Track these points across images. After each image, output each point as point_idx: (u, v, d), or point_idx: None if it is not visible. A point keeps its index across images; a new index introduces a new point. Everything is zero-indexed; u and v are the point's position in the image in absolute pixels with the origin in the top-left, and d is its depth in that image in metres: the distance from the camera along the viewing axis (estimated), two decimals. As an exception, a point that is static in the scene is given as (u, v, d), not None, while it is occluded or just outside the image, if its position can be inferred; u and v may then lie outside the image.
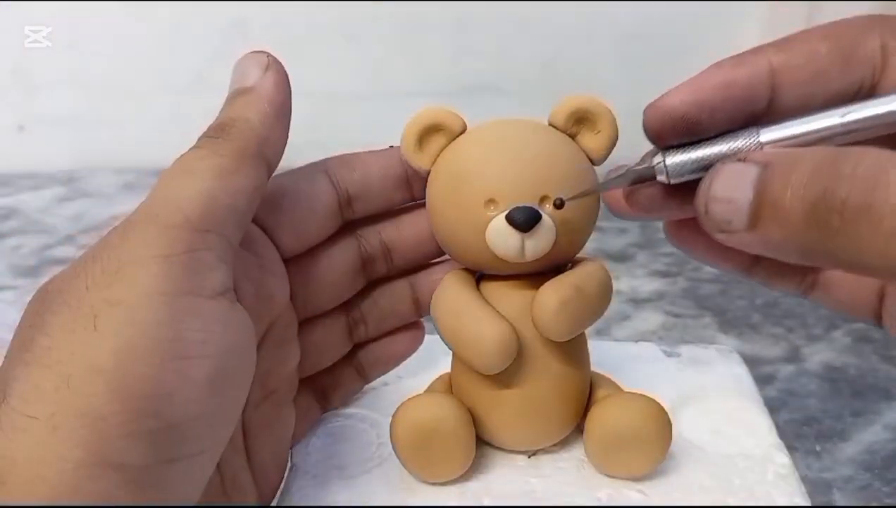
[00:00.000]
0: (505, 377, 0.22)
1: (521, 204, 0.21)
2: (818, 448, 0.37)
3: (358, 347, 0.27)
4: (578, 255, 0.24)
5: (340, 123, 0.66)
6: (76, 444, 0.15)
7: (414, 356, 0.27)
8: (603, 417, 0.23)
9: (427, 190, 0.24)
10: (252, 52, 0.22)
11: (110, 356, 0.16)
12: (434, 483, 0.23)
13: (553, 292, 0.21)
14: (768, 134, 0.18)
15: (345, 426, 0.26)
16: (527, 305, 0.22)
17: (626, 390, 0.24)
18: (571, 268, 0.23)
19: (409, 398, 0.23)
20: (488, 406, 0.23)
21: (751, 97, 0.19)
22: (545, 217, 0.21)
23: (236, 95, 0.21)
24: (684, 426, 0.25)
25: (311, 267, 0.24)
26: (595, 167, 0.23)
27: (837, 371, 0.43)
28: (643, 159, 0.20)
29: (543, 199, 0.21)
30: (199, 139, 0.20)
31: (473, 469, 0.23)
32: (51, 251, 0.59)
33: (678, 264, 0.55)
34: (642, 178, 0.20)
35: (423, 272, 0.26)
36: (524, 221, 0.21)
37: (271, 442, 0.23)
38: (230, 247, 0.19)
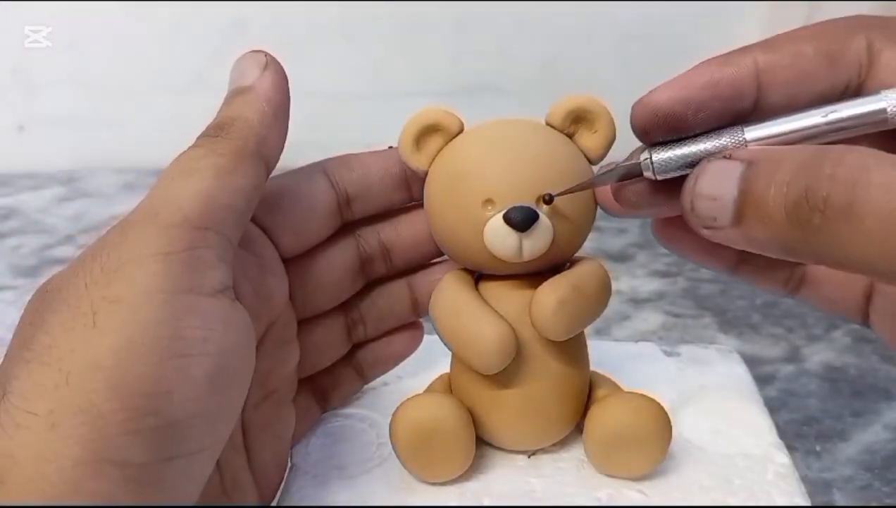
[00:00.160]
0: (504, 377, 0.22)
1: (518, 204, 0.21)
2: (818, 448, 0.37)
3: (357, 347, 0.27)
4: (577, 254, 0.24)
5: (340, 123, 0.66)
6: (76, 441, 0.15)
7: (414, 356, 0.27)
8: (603, 417, 0.23)
9: (425, 190, 0.24)
10: (250, 52, 0.22)
11: (110, 353, 0.16)
12: (434, 483, 0.23)
13: (551, 292, 0.21)
14: (753, 132, 0.19)
15: (345, 426, 0.26)
16: (525, 305, 0.22)
17: (626, 389, 0.24)
18: (570, 268, 0.23)
19: (409, 398, 0.23)
20: (488, 406, 0.23)
21: (737, 96, 0.19)
22: (543, 217, 0.21)
23: (235, 94, 0.21)
24: (684, 426, 0.25)
25: (310, 267, 0.24)
26: (593, 167, 0.23)
27: (837, 371, 0.43)
28: (631, 156, 0.20)
29: (541, 199, 0.21)
30: (198, 138, 0.20)
31: (473, 469, 0.23)
32: (51, 251, 0.59)
33: (678, 264, 0.55)
34: (630, 174, 0.20)
35: (422, 273, 0.26)
36: (521, 220, 0.21)
37: (271, 442, 0.23)
38: (229, 246, 0.19)
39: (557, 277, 0.22)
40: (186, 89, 0.72)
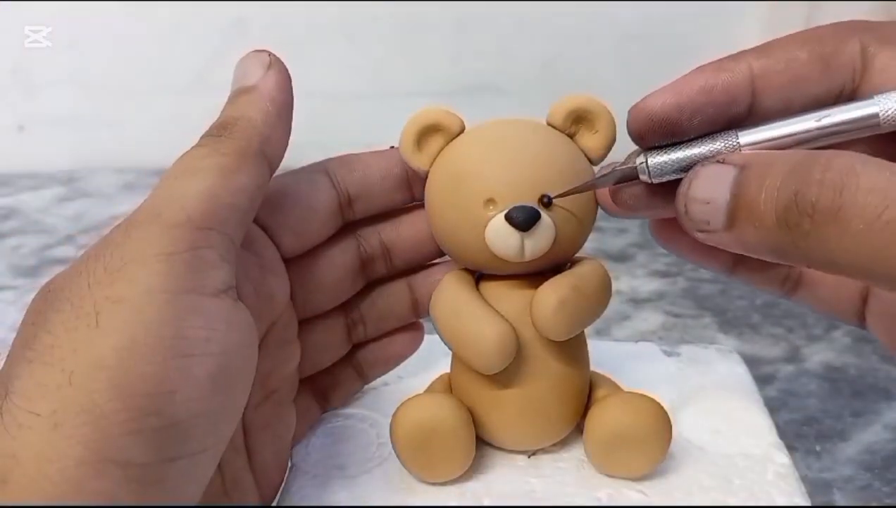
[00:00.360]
0: (504, 377, 0.22)
1: (520, 204, 0.21)
2: (818, 448, 0.37)
3: (357, 347, 0.27)
4: (578, 254, 0.24)
5: (340, 123, 0.66)
6: (78, 441, 0.15)
7: (414, 356, 0.27)
8: (603, 417, 0.23)
9: (426, 190, 0.24)
10: (254, 52, 0.22)
11: (113, 353, 0.16)
12: (434, 483, 0.23)
13: (552, 292, 0.21)
14: (747, 137, 0.19)
15: (345, 426, 0.26)
16: (526, 304, 0.22)
17: (626, 389, 0.24)
18: (570, 268, 0.23)
19: (409, 398, 0.23)
20: (488, 406, 0.23)
21: (731, 101, 0.19)
22: (544, 216, 0.21)
23: (238, 93, 0.21)
24: (684, 426, 0.25)
25: (311, 267, 0.24)
26: (594, 167, 0.23)
27: (837, 371, 0.43)
28: (627, 159, 0.21)
29: (542, 198, 0.21)
30: (202, 138, 0.20)
31: (473, 469, 0.23)
32: (51, 251, 0.59)
33: (678, 264, 0.55)
34: (626, 177, 0.21)
35: (422, 273, 0.26)
36: (523, 220, 0.21)
37: (272, 442, 0.23)
38: (232, 245, 0.19)
39: (558, 277, 0.22)
40: (186, 89, 0.72)
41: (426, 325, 0.27)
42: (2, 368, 0.17)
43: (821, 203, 0.15)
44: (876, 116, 0.18)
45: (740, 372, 0.29)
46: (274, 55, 0.22)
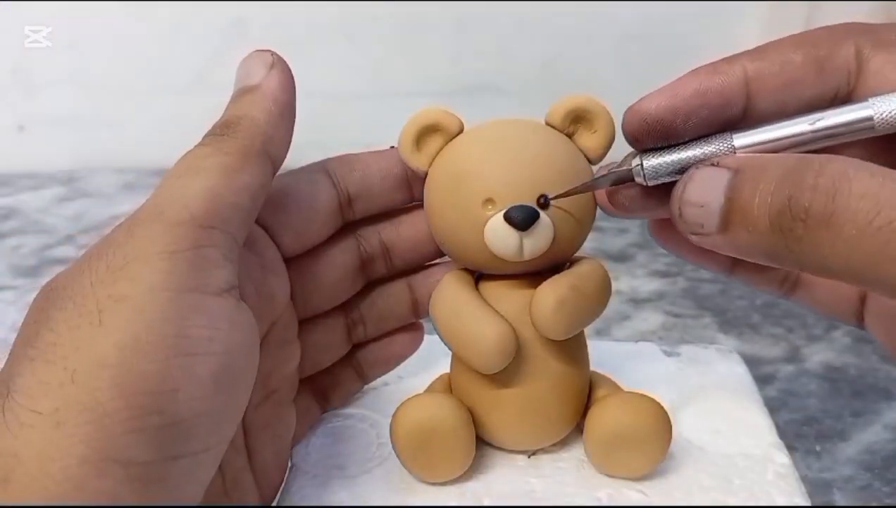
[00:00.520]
0: (504, 377, 0.22)
1: (518, 203, 0.21)
2: (818, 448, 0.37)
3: (357, 347, 0.27)
4: (577, 254, 0.24)
5: (340, 123, 0.66)
6: (80, 440, 0.15)
7: (414, 356, 0.27)
8: (603, 417, 0.23)
9: (425, 190, 0.24)
10: (257, 51, 0.22)
11: (115, 351, 0.16)
12: (434, 483, 0.23)
13: (551, 291, 0.21)
14: (741, 139, 0.19)
15: (345, 426, 0.26)
16: (525, 304, 0.22)
17: (626, 389, 0.24)
18: (570, 267, 0.23)
19: (409, 398, 0.23)
20: (488, 406, 0.23)
21: (726, 104, 0.19)
22: (543, 216, 0.21)
23: (241, 93, 0.21)
24: (684, 426, 0.25)
25: (312, 267, 0.24)
26: (593, 167, 0.23)
27: (837, 371, 0.43)
28: (623, 161, 0.21)
29: (541, 198, 0.21)
30: (205, 137, 0.20)
31: (473, 469, 0.23)
32: (51, 251, 0.59)
33: (678, 264, 0.55)
34: (622, 179, 0.21)
35: (422, 273, 0.26)
36: (522, 219, 0.21)
37: (272, 442, 0.23)
38: (235, 245, 0.19)
39: (557, 276, 0.22)
40: (186, 89, 0.72)
41: (426, 325, 0.27)
42: (3, 366, 0.17)
43: (814, 208, 0.16)
44: (870, 118, 0.18)
45: (740, 372, 0.29)
46: (277, 55, 0.22)
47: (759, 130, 0.19)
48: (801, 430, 0.38)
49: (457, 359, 0.24)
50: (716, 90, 0.19)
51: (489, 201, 0.21)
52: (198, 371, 0.17)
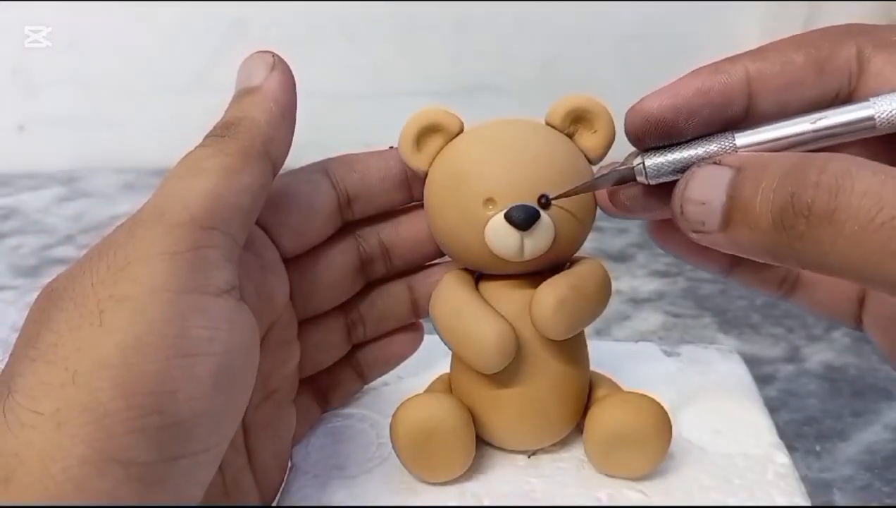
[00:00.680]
0: (504, 377, 0.22)
1: (519, 203, 0.21)
2: (818, 448, 0.37)
3: (357, 347, 0.27)
4: (577, 254, 0.24)
5: (340, 123, 0.66)
6: (81, 440, 0.15)
7: (414, 356, 0.27)
8: (602, 417, 0.23)
9: (425, 190, 0.24)
10: (258, 52, 0.22)
11: (116, 351, 0.16)
12: (434, 483, 0.23)
13: (551, 291, 0.21)
14: (743, 138, 0.19)
15: (345, 426, 0.26)
16: (525, 304, 0.22)
17: (626, 389, 0.24)
18: (570, 267, 0.23)
19: (409, 398, 0.23)
20: (488, 406, 0.23)
21: (727, 103, 0.19)
22: (544, 216, 0.21)
23: (242, 94, 0.21)
24: (684, 426, 0.25)
25: (311, 268, 0.24)
26: (593, 167, 0.23)
27: (837, 371, 0.43)
28: (625, 161, 0.21)
29: (542, 198, 0.21)
30: (205, 138, 0.20)
31: (473, 469, 0.23)
32: (51, 251, 0.59)
33: (678, 264, 0.55)
34: (623, 178, 0.21)
35: (422, 274, 0.26)
36: (523, 219, 0.21)
37: (273, 443, 0.23)
38: (235, 245, 0.19)
39: (557, 276, 0.22)
40: (186, 89, 0.72)
41: (426, 325, 0.27)
42: (4, 367, 0.17)
43: (816, 205, 0.16)
44: (871, 118, 0.18)
45: (740, 372, 0.29)
46: (278, 56, 0.22)
47: (761, 129, 0.19)
48: (801, 430, 0.38)
49: (457, 359, 0.24)
50: (718, 89, 0.19)
51: (490, 200, 0.21)
52: (198, 372, 0.17)
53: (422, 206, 0.24)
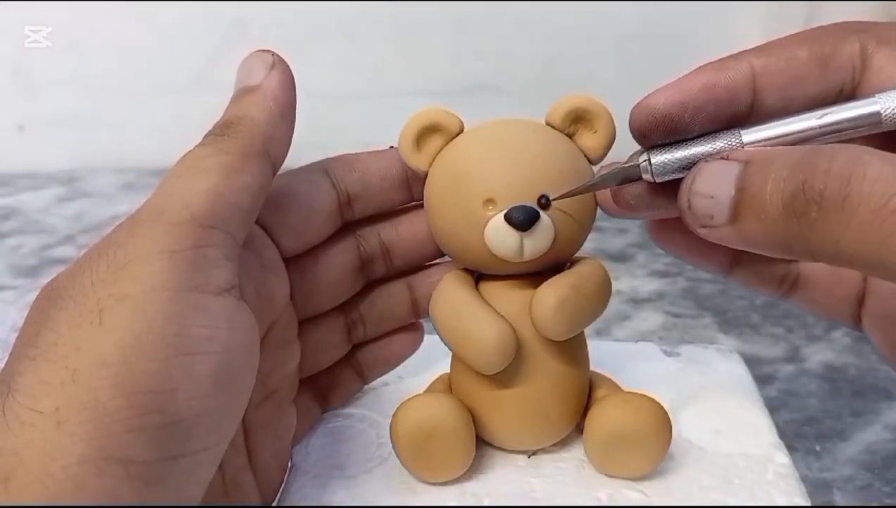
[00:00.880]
0: (504, 377, 0.22)
1: (519, 203, 0.21)
2: (818, 448, 0.37)
3: (357, 347, 0.27)
4: (577, 254, 0.24)
5: (340, 123, 0.66)
6: (81, 439, 0.15)
7: (414, 356, 0.27)
8: (602, 417, 0.23)
9: (425, 190, 0.24)
10: (257, 51, 0.22)
11: (116, 350, 0.16)
12: (434, 484, 0.23)
13: (551, 292, 0.21)
14: (750, 135, 0.19)
15: (345, 426, 0.26)
16: (525, 304, 0.22)
17: (626, 389, 0.24)
18: (570, 268, 0.23)
19: (409, 398, 0.23)
20: (488, 406, 0.23)
21: (733, 99, 0.19)
22: (544, 216, 0.21)
23: (242, 93, 0.21)
24: (684, 426, 0.25)
25: (311, 267, 0.24)
26: (593, 167, 0.23)
27: (837, 371, 0.43)
28: (630, 159, 0.21)
29: (542, 198, 0.21)
30: (205, 137, 0.20)
31: (473, 469, 0.23)
32: (51, 251, 0.59)
33: (678, 264, 0.55)
34: (628, 177, 0.20)
35: (422, 274, 0.26)
36: (523, 220, 0.21)
37: (273, 442, 0.23)
38: (235, 244, 0.19)
39: (558, 277, 0.22)
40: (186, 89, 0.72)
41: (426, 325, 0.27)
42: (4, 366, 0.17)
43: (829, 191, 0.16)
44: (877, 114, 0.18)
45: (740, 372, 0.29)
46: (277, 55, 0.22)
47: (767, 125, 0.19)
48: (801, 430, 0.38)
49: (457, 359, 0.24)
50: (723, 85, 0.19)
51: (490, 201, 0.21)
52: (198, 370, 0.17)
53: (422, 206, 0.24)
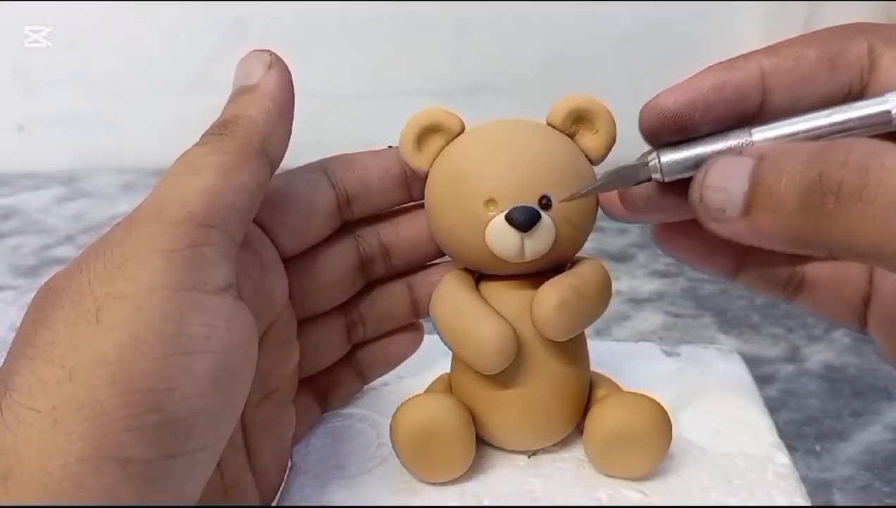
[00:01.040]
0: (504, 377, 0.22)
1: (520, 204, 0.21)
2: (818, 448, 0.37)
3: (357, 347, 0.27)
4: (578, 255, 0.24)
5: (340, 123, 0.66)
6: (78, 437, 0.15)
7: (414, 356, 0.27)
8: (603, 417, 0.23)
9: (426, 191, 0.24)
10: (255, 51, 0.22)
11: (114, 349, 0.16)
12: (434, 484, 0.23)
13: (552, 292, 0.21)
14: (760, 133, 0.19)
15: (345, 426, 0.26)
16: (526, 305, 0.22)
17: (626, 390, 0.24)
18: (571, 268, 0.23)
19: (409, 399, 0.23)
20: (488, 406, 0.23)
21: (742, 98, 0.19)
22: (545, 216, 0.21)
23: (240, 92, 0.21)
24: (684, 426, 0.25)
25: (310, 267, 0.24)
26: (594, 168, 0.23)
27: (837, 371, 0.43)
28: (639, 159, 0.20)
29: (543, 199, 0.21)
30: (203, 136, 0.20)
31: (473, 469, 0.23)
32: (51, 251, 0.59)
33: (678, 264, 0.55)
34: (637, 177, 0.20)
35: (421, 274, 0.26)
36: (524, 220, 0.21)
37: (272, 442, 0.23)
38: (233, 243, 0.19)
39: (558, 277, 0.22)
40: (186, 89, 0.72)
41: (426, 325, 0.27)
42: (2, 365, 0.17)
43: (846, 182, 0.16)
44: (888, 113, 0.18)
45: (740, 372, 0.29)
46: (275, 54, 0.22)
47: (777, 124, 0.19)
48: (801, 430, 0.38)
49: (457, 359, 0.24)
50: (733, 84, 0.19)
51: (490, 201, 0.21)
52: (196, 369, 0.17)
53: (422, 206, 0.24)
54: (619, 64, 0.71)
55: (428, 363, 0.27)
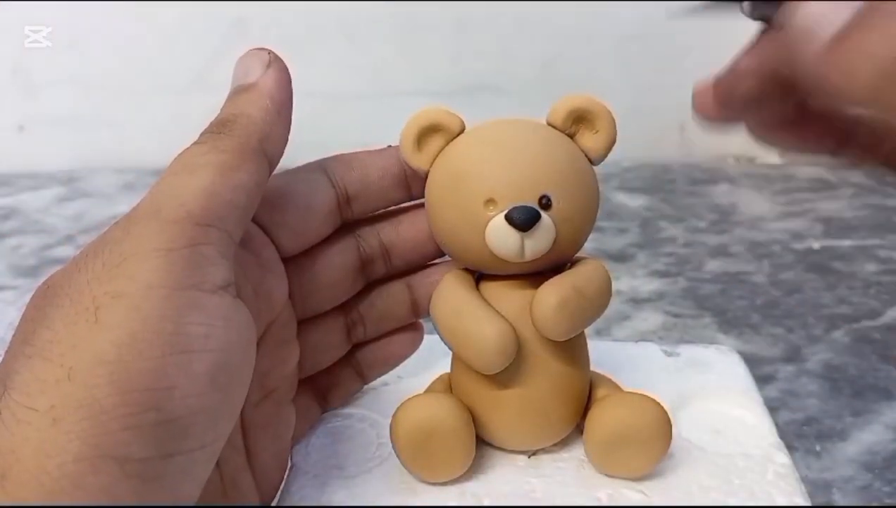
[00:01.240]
0: (504, 377, 0.22)
1: (520, 204, 0.21)
2: (818, 448, 0.37)
3: (357, 347, 0.27)
4: (578, 255, 0.24)
5: (340, 123, 0.66)
6: (77, 436, 0.15)
7: (414, 356, 0.27)
8: (603, 417, 0.23)
9: (426, 190, 0.24)
10: (254, 49, 0.22)
11: (112, 348, 0.16)
12: (434, 484, 0.23)
13: (552, 292, 0.21)
14: None
15: (345, 426, 0.26)
16: (526, 305, 0.22)
17: (626, 390, 0.24)
18: (571, 268, 0.23)
19: (409, 398, 0.23)
20: (488, 406, 0.23)
21: None
22: (545, 216, 0.21)
23: (238, 91, 0.21)
24: (684, 426, 0.25)
25: (310, 267, 0.24)
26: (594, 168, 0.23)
27: (837, 371, 0.43)
28: None
29: (543, 198, 0.21)
30: (201, 135, 0.20)
31: (473, 469, 0.23)
32: (51, 251, 0.59)
33: (678, 265, 0.55)
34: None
35: (421, 274, 0.26)
36: (524, 220, 0.21)
37: (272, 442, 0.23)
38: (231, 242, 0.19)
39: (558, 277, 0.22)
40: (186, 89, 0.72)
41: (426, 325, 0.27)
42: (1, 364, 0.17)
43: None
44: None
45: (740, 372, 0.29)
46: (274, 53, 0.22)
47: None
48: (801, 430, 0.38)
49: (457, 359, 0.24)
50: None
51: (490, 201, 0.21)
52: (194, 368, 0.17)
53: (422, 206, 0.24)
54: (619, 64, 0.71)
55: (428, 363, 0.27)
